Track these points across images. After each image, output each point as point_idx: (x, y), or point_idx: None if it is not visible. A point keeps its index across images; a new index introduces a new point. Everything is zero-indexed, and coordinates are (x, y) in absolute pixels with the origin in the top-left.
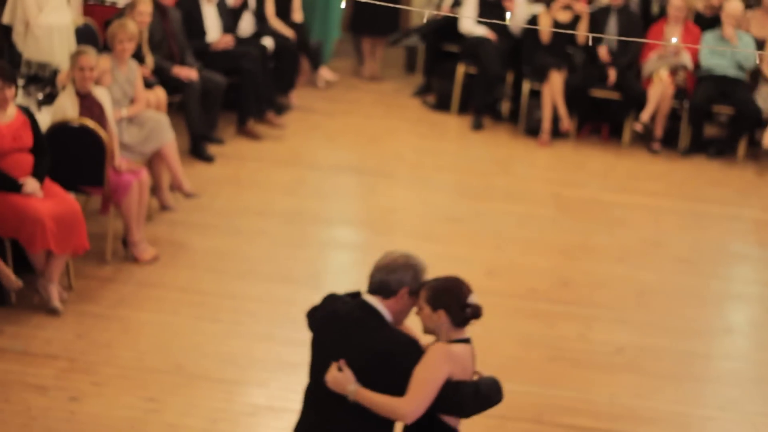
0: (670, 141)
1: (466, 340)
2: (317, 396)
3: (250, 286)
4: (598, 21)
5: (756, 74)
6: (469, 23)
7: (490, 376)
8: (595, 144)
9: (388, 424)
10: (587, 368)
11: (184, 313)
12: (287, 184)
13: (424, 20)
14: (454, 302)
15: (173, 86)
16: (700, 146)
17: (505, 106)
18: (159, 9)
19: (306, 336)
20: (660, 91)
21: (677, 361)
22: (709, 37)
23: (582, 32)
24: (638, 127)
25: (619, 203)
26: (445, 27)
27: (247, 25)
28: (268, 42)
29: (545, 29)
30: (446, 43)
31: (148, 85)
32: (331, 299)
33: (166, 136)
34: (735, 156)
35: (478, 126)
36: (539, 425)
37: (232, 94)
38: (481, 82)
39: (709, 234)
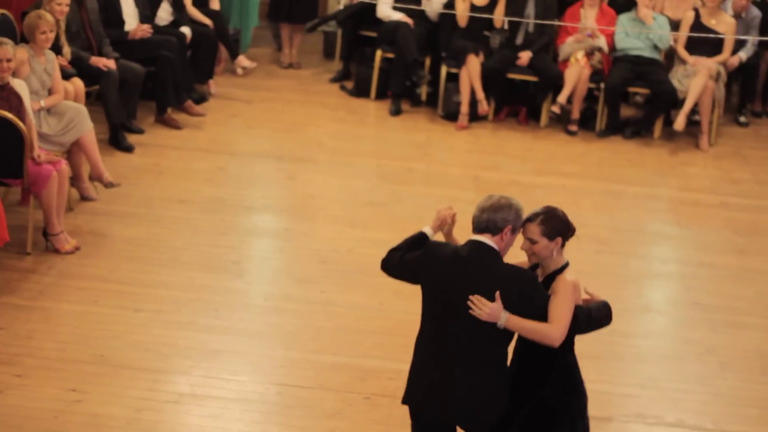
0: (587, 123)
1: (567, 263)
2: (444, 337)
3: (172, 274)
4: (514, 2)
5: (671, 55)
6: (386, 8)
7: (603, 300)
8: (513, 127)
9: (506, 356)
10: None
11: (106, 303)
12: (208, 172)
13: (341, 6)
14: (565, 228)
15: (91, 76)
16: (616, 127)
17: (424, 91)
18: None
19: (228, 324)
20: (576, 73)
21: (597, 340)
22: (624, 19)
23: (499, 16)
24: (555, 109)
25: (538, 185)
26: (363, 12)
27: (164, 13)
28: (186, 30)
29: (462, 13)
30: (364, 28)
31: (66, 75)
32: (436, 245)
33: (85, 126)
34: (651, 136)
35: (396, 111)
36: None
37: (151, 83)
38: (398, 66)
39: (627, 214)
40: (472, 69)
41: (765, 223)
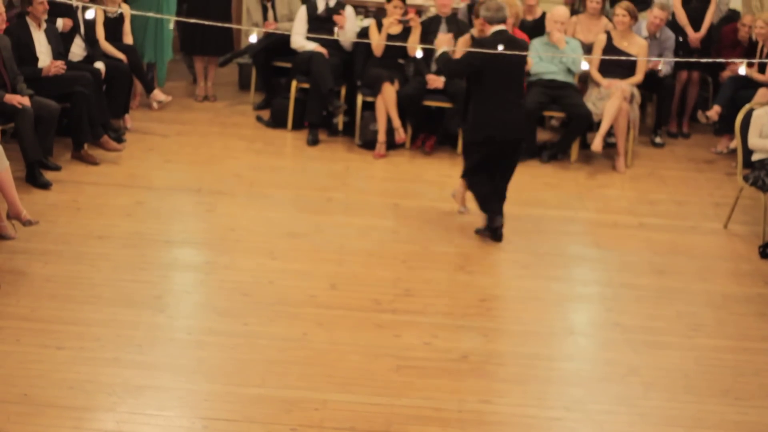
0: None
1: None
2: (501, 88)
3: (94, 311)
4: (427, 30)
5: (585, 78)
6: (300, 39)
7: None
8: (430, 153)
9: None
10: (434, 376)
11: (28, 341)
12: (126, 207)
13: (251, 40)
14: None
15: (6, 114)
16: (533, 151)
17: (340, 120)
18: None
19: (152, 359)
20: None
21: (522, 364)
22: (537, 44)
23: (412, 44)
24: None
25: (457, 211)
26: (276, 43)
27: (78, 49)
28: (100, 65)
29: (378, 43)
30: (278, 59)
31: None
32: (479, 41)
33: (1, 165)
34: (568, 159)
35: (314, 141)
36: None
37: (66, 119)
38: (314, 96)
39: (547, 237)
40: (387, 97)
41: (683, 243)
